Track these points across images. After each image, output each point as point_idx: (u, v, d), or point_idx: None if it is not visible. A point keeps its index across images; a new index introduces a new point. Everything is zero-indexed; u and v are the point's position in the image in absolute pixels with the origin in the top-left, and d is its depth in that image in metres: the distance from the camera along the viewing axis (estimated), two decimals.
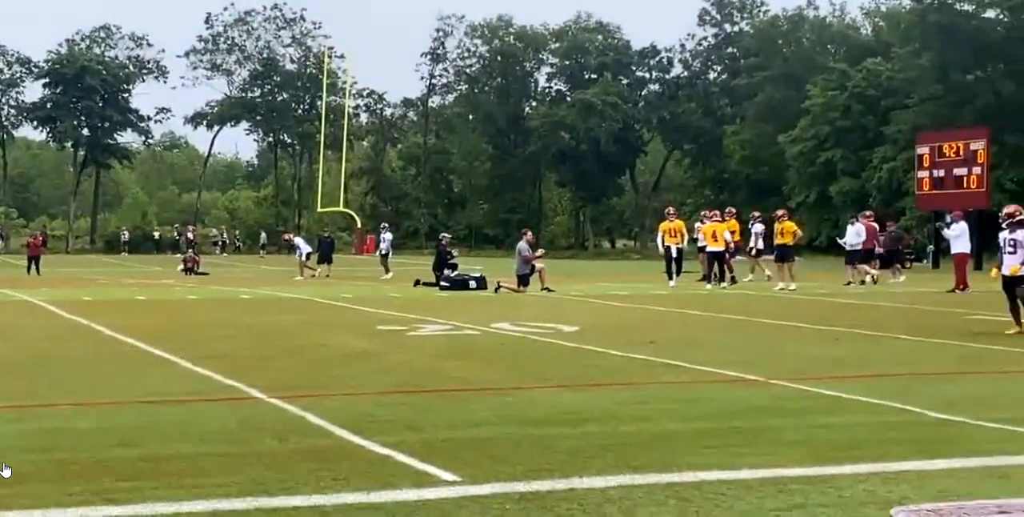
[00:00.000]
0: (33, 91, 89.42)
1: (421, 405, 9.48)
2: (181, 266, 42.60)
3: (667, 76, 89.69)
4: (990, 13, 60.93)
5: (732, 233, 30.93)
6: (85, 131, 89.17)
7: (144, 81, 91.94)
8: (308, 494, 6.15)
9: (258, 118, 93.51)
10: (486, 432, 8.16)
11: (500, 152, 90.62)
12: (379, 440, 7.67)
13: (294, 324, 18.19)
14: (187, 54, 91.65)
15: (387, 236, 39.07)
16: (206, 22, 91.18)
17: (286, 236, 48.89)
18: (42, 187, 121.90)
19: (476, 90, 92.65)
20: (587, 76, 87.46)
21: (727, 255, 30.59)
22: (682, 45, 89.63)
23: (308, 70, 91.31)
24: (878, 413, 9.10)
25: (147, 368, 12.14)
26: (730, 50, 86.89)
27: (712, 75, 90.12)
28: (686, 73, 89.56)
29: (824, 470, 6.79)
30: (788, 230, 29.52)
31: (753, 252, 33.39)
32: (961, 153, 44.75)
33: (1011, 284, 16.15)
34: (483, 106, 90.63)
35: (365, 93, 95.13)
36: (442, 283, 29.71)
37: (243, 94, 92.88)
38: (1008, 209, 16.63)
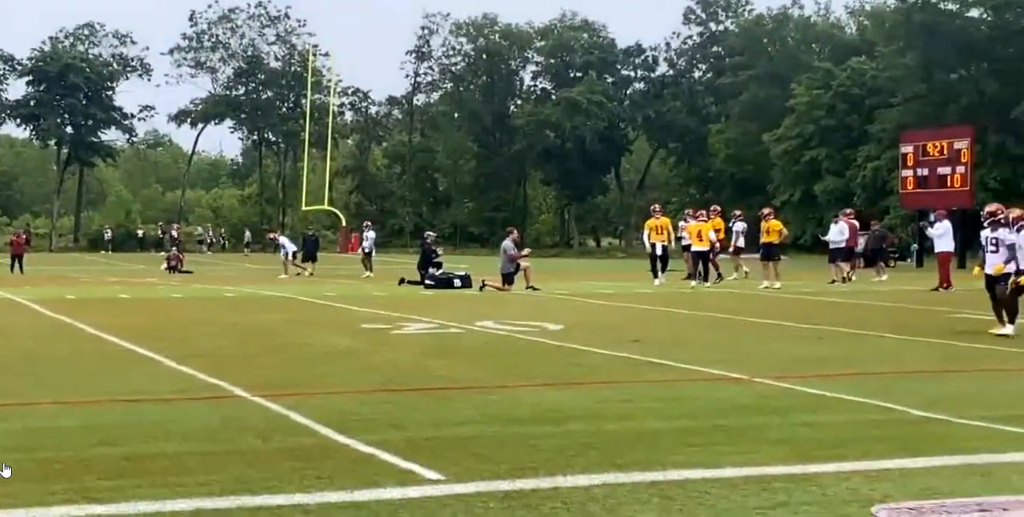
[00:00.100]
0: (16, 89, 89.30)
1: (405, 404, 9.48)
2: (165, 265, 42.52)
3: (652, 75, 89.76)
4: (974, 12, 61.12)
5: (717, 232, 30.98)
6: (69, 129, 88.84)
7: (128, 79, 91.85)
8: (291, 493, 6.14)
9: (242, 116, 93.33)
10: (470, 431, 8.16)
11: (485, 150, 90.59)
12: (363, 439, 7.67)
13: (278, 322, 18.17)
14: (171, 52, 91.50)
15: (370, 234, 39.01)
16: (190, 20, 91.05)
17: (271, 235, 48.78)
18: (25, 185, 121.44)
19: (461, 88, 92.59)
20: (572, 74, 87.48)
21: (712, 254, 30.64)
22: (667, 44, 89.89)
23: (293, 68, 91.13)
24: (861, 411, 9.12)
25: (130, 367, 12.11)
26: (715, 49, 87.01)
27: (697, 74, 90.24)
28: (671, 72, 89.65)
29: (807, 468, 6.80)
30: (774, 229, 29.60)
31: (731, 250, 33.44)
32: (945, 152, 44.86)
33: (994, 283, 16.20)
34: (468, 104, 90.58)
35: (350, 91, 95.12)
36: (427, 281, 29.67)
37: (227, 92, 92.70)
38: (990, 208, 16.68)
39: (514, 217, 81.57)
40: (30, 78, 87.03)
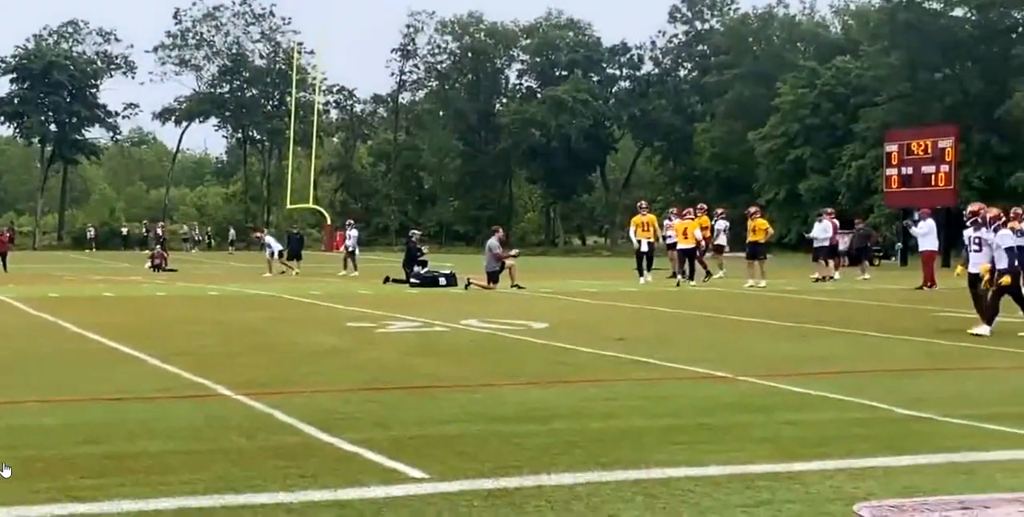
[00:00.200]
0: (0, 86, 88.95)
1: (390, 402, 9.47)
2: (149, 263, 42.39)
3: (638, 73, 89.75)
4: (958, 11, 61.31)
5: (703, 230, 31.01)
6: (52, 127, 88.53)
7: (112, 76, 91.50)
8: (275, 491, 6.13)
9: (227, 114, 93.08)
10: (454, 429, 8.16)
11: (471, 149, 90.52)
12: (347, 437, 7.66)
13: (263, 321, 18.15)
14: (155, 49, 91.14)
15: (353, 233, 38.93)
16: (174, 17, 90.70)
17: (257, 233, 48.70)
18: (9, 183, 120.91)
19: (446, 87, 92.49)
20: (558, 73, 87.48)
21: (698, 252, 30.66)
22: (653, 42, 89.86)
23: (277, 66, 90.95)
24: (845, 409, 9.14)
25: (114, 365, 12.08)
26: (700, 47, 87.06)
27: (682, 72, 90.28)
28: (657, 70, 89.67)
29: (791, 466, 6.81)
30: (760, 227, 29.70)
31: (712, 247, 33.46)
32: (929, 151, 45.00)
33: (978, 282, 16.25)
34: (453, 103, 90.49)
35: (335, 89, 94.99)
36: (412, 280, 29.65)
37: (212, 90, 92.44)
38: (972, 208, 16.73)
39: (499, 215, 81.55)
40: (14, 76, 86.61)
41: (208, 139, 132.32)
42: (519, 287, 27.13)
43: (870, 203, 59.17)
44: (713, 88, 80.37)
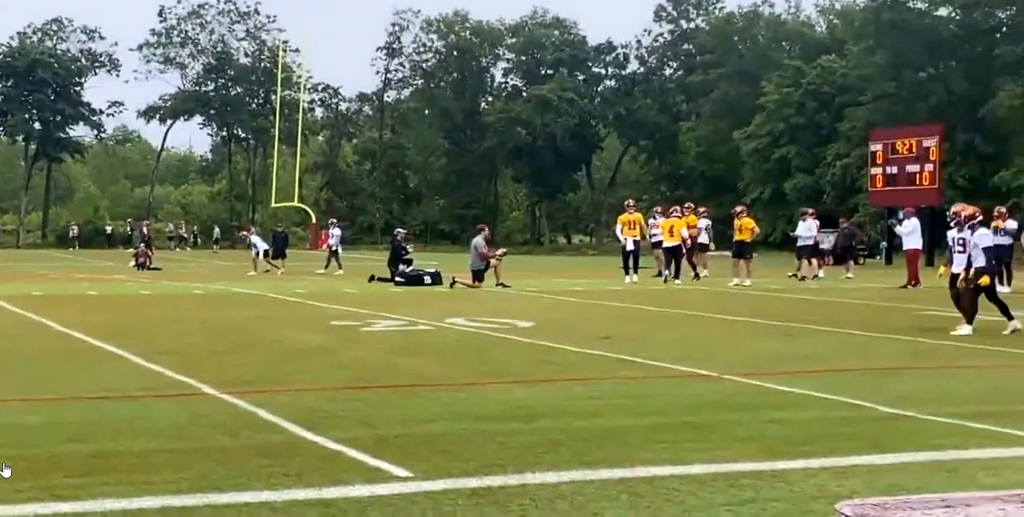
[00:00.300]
0: None
1: (374, 401, 9.46)
2: (133, 261, 42.27)
3: (623, 72, 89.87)
4: (943, 11, 61.56)
5: (690, 229, 31.01)
6: (37, 125, 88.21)
7: (96, 74, 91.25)
8: (259, 490, 6.12)
9: (212, 112, 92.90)
10: (439, 428, 8.15)
11: (456, 147, 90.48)
12: (331, 436, 7.65)
13: (247, 319, 18.11)
14: (140, 47, 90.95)
15: (336, 232, 38.87)
16: (159, 15, 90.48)
17: (243, 232, 48.56)
18: None
19: (432, 85, 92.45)
20: (543, 72, 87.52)
21: (684, 250, 30.66)
22: (638, 41, 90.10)
23: (262, 64, 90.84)
24: (830, 408, 9.16)
25: (98, 364, 12.04)
26: (686, 46, 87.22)
27: (668, 71, 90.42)
28: (642, 69, 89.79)
29: (775, 465, 6.82)
30: (747, 227, 29.79)
31: (691, 245, 33.47)
32: (914, 150, 45.16)
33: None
34: (439, 101, 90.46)
35: (320, 87, 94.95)
36: (397, 278, 29.62)
37: (196, 88, 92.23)
38: (956, 208, 16.74)
39: (485, 214, 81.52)
40: None
41: (193, 137, 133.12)
42: (504, 286, 27.13)
43: (855, 202, 59.37)
44: (698, 87, 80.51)
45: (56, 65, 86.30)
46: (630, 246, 30.07)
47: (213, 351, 13.35)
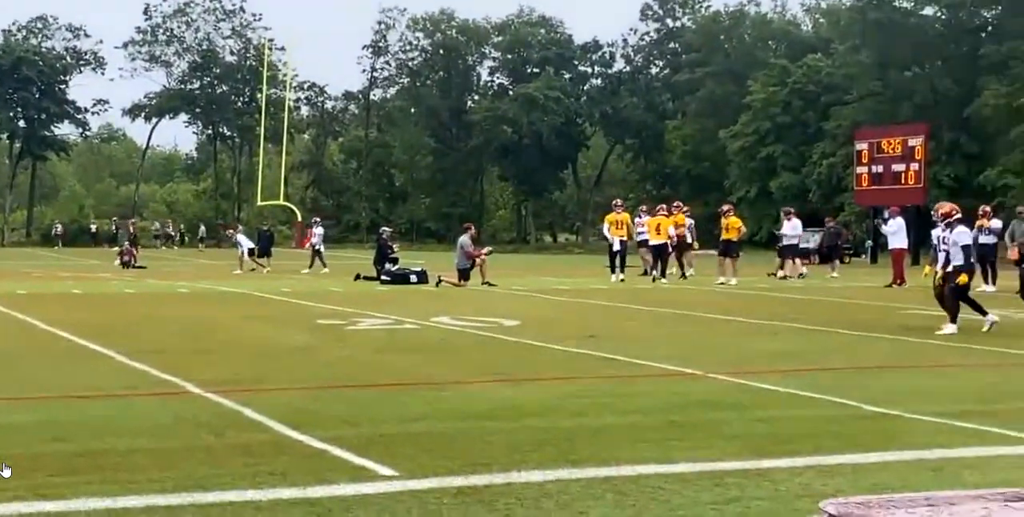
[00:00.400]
0: None
1: (360, 400, 9.45)
2: (118, 260, 42.15)
3: (609, 71, 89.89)
4: (928, 10, 61.75)
5: (678, 228, 30.99)
6: (21, 122, 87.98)
7: (82, 72, 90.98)
8: (244, 489, 6.11)
9: (197, 110, 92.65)
10: (424, 426, 8.14)
11: (442, 146, 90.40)
12: (316, 435, 7.63)
13: (232, 318, 18.08)
14: (125, 45, 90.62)
15: (319, 230, 38.80)
16: (145, 13, 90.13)
17: (229, 231, 48.48)
18: None
19: (418, 84, 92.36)
20: (529, 70, 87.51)
21: (671, 249, 30.65)
22: (624, 40, 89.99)
23: (248, 62, 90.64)
24: (815, 407, 9.17)
25: (83, 363, 12.01)
26: (672, 45, 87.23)
27: (654, 70, 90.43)
28: (628, 68, 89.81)
29: (760, 463, 6.83)
30: (733, 226, 29.86)
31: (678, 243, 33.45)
32: (899, 149, 45.24)
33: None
34: (425, 100, 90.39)
35: (306, 86, 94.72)
36: (383, 277, 29.60)
37: (182, 86, 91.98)
38: (943, 209, 16.76)
39: (471, 213, 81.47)
40: None
41: (178, 135, 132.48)
42: (490, 284, 27.12)
43: (840, 201, 59.49)
44: (684, 86, 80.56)
45: (41, 63, 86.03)
46: (617, 246, 30.07)
47: (198, 350, 13.32)
